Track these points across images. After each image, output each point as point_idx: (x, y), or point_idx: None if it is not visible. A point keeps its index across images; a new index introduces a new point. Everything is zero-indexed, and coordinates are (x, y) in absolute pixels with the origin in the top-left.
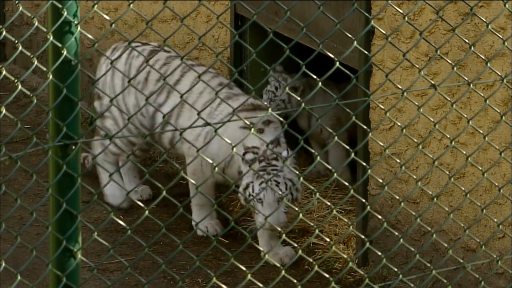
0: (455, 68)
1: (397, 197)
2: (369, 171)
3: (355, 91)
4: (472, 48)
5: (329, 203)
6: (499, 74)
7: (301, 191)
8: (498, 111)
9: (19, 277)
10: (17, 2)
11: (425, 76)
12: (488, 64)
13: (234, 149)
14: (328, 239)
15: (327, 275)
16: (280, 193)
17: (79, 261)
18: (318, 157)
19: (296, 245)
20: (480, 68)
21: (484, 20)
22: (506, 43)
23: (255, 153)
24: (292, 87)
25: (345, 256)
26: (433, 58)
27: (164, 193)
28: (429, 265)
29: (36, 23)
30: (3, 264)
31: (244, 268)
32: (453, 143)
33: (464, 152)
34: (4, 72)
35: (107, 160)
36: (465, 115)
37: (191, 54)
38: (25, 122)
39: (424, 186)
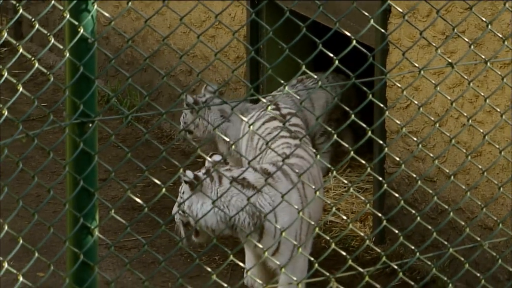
0: (472, 47)
1: (414, 175)
2: (386, 149)
3: None
4: (489, 26)
5: (346, 181)
6: None
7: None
8: None
9: (36, 254)
10: None
11: (442, 54)
12: (505, 42)
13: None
14: (345, 217)
15: (344, 253)
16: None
17: (96, 239)
18: (335, 135)
19: (312, 223)
20: (497, 46)
21: None
22: None
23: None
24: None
25: (362, 234)
26: (450, 37)
27: (181, 170)
28: (446, 243)
29: (53, 1)
30: (21, 241)
31: (261, 246)
32: (470, 121)
33: (481, 130)
34: (21, 50)
35: None
36: (482, 94)
37: (207, 33)
38: (41, 100)
39: (441, 164)
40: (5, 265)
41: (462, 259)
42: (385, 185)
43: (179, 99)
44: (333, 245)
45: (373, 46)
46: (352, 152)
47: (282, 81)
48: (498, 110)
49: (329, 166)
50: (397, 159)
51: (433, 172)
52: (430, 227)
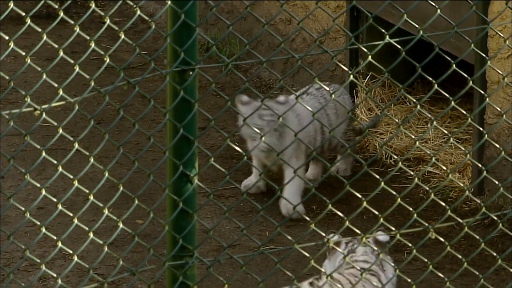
0: None
1: None
2: (487, 99)
3: None
4: None
5: (446, 131)
6: None
7: (414, 120)
8: None
9: (136, 202)
10: None
11: None
12: None
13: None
14: (444, 168)
15: (442, 204)
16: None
17: (195, 186)
18: (436, 85)
19: (412, 172)
20: None
21: None
22: None
23: None
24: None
25: (461, 184)
26: None
27: (279, 119)
28: None
29: None
30: (121, 189)
31: (359, 196)
32: None
33: None
34: None
35: None
36: None
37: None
38: (142, 48)
39: None
40: (105, 211)
41: None
42: (485, 135)
43: (279, 48)
44: (432, 196)
45: None
46: (452, 102)
47: (383, 30)
48: None
49: (429, 115)
50: (498, 109)
51: None
52: None
